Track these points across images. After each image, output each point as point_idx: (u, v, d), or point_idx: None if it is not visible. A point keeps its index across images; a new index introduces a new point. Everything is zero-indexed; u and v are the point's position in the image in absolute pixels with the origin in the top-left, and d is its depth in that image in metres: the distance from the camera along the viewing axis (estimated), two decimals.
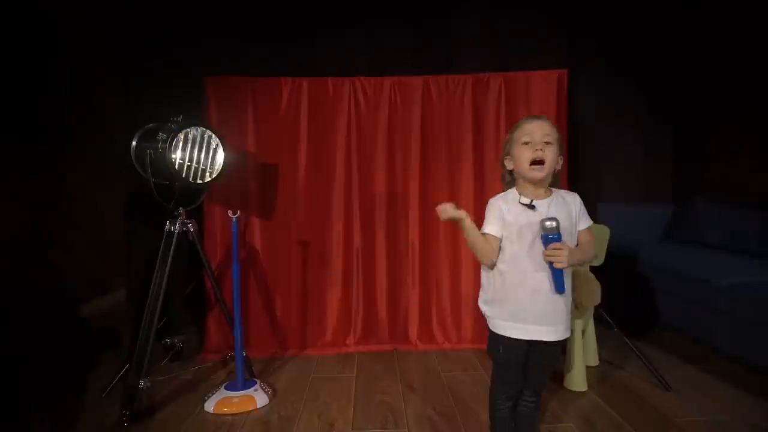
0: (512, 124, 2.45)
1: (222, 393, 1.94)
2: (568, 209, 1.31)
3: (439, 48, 2.91)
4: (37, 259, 2.21)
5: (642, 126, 3.20)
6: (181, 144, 1.90)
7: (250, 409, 1.89)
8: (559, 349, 1.36)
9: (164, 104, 2.14)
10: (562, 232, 1.22)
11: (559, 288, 1.24)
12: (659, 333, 2.59)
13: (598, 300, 2.07)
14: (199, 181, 1.99)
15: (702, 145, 3.16)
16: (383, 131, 2.52)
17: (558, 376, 2.12)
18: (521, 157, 1.30)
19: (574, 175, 2.83)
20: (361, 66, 2.80)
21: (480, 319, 2.53)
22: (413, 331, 2.56)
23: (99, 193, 2.61)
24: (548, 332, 1.27)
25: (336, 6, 2.84)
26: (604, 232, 2.17)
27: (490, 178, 2.51)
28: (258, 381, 2.03)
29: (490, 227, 1.32)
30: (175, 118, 1.93)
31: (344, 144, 2.51)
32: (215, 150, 2.03)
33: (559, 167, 1.33)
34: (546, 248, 1.21)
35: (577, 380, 2.03)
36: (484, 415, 1.82)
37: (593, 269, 2.20)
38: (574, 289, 2.07)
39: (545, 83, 2.47)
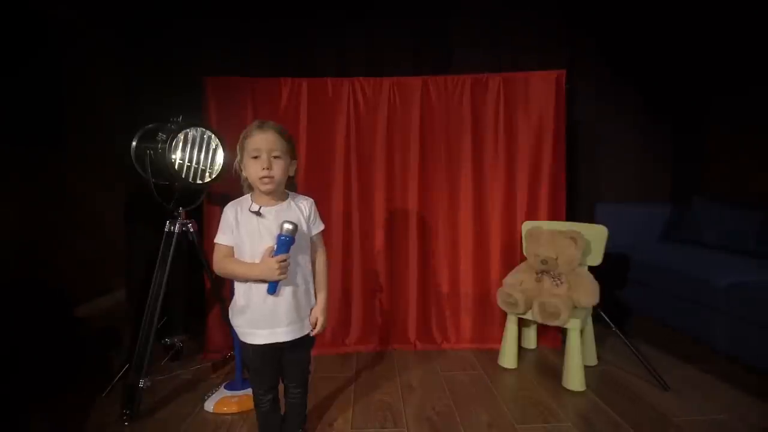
0: (511, 124, 2.51)
1: (222, 392, 1.95)
2: (296, 214, 1.38)
3: (438, 48, 2.91)
4: (37, 259, 2.22)
5: (641, 126, 3.20)
6: (180, 144, 1.91)
7: (250, 408, 1.89)
8: (307, 344, 1.44)
9: (164, 104, 2.14)
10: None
11: (270, 289, 1.30)
12: (658, 333, 2.59)
13: (596, 300, 2.08)
14: (199, 182, 2.00)
15: (701, 145, 3.16)
16: (382, 131, 2.52)
17: (557, 376, 2.12)
18: (250, 171, 1.33)
19: (573, 175, 2.83)
20: (361, 66, 2.80)
21: (479, 318, 2.56)
22: (412, 331, 2.56)
23: (99, 193, 2.61)
24: (290, 332, 1.36)
25: (335, 6, 2.84)
26: (603, 232, 2.17)
27: (488, 178, 2.51)
28: None
29: (222, 237, 1.37)
30: (175, 119, 1.94)
31: (344, 144, 2.51)
32: (215, 150, 2.04)
33: (292, 173, 1.38)
34: (276, 252, 1.27)
35: (575, 380, 2.03)
36: (483, 415, 1.83)
37: (592, 269, 2.20)
38: (571, 288, 2.09)
39: (544, 83, 2.47)
